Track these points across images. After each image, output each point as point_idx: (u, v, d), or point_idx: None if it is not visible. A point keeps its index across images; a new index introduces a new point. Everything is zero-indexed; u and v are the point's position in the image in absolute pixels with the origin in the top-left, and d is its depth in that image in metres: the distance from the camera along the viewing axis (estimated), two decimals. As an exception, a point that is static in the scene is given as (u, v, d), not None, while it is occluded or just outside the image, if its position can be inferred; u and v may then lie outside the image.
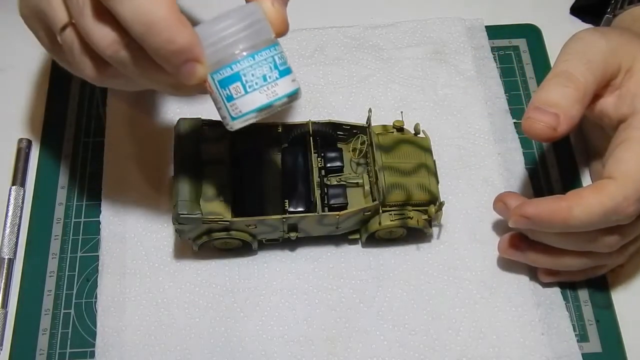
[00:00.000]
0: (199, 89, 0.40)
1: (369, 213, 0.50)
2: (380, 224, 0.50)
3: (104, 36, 0.38)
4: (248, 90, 0.39)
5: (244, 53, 0.39)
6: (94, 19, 0.38)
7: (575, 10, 0.64)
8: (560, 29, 0.63)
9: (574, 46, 0.48)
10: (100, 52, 0.39)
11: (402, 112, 0.57)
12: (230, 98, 0.40)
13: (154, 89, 0.42)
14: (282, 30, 0.41)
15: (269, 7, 0.40)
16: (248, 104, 0.39)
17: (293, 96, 0.40)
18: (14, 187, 0.56)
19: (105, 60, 0.40)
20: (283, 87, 0.40)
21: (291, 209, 0.50)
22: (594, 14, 0.62)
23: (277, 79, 0.40)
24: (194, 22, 0.38)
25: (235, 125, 0.40)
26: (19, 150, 0.57)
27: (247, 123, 0.40)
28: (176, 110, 0.58)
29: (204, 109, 0.58)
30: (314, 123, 0.52)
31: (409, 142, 0.53)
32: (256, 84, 0.39)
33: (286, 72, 0.40)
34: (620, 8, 0.57)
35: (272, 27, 0.40)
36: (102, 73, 0.41)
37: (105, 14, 0.38)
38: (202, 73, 0.38)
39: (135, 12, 0.36)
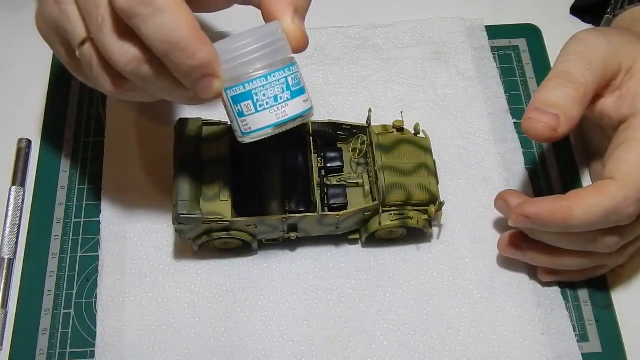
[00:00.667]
0: (214, 98, 0.41)
1: (369, 213, 0.50)
2: (380, 224, 0.50)
3: (123, 53, 0.38)
4: (258, 109, 0.40)
5: (258, 73, 0.40)
6: (113, 36, 0.38)
7: (575, 10, 0.64)
8: (560, 29, 0.63)
9: (574, 47, 0.48)
10: (119, 69, 0.39)
11: (402, 112, 0.57)
12: (241, 114, 0.41)
13: (170, 100, 0.43)
14: (302, 46, 0.42)
15: (289, 24, 0.41)
16: (257, 122, 0.41)
17: (304, 116, 0.42)
18: (14, 187, 0.56)
19: (123, 75, 0.40)
20: (293, 108, 0.41)
21: (291, 209, 0.50)
22: (594, 14, 0.62)
23: (288, 99, 0.41)
24: (211, 35, 0.39)
25: (245, 140, 0.42)
26: (19, 150, 0.57)
27: (256, 139, 0.41)
28: (176, 111, 0.58)
29: (204, 109, 0.58)
30: (314, 123, 0.52)
31: (409, 142, 0.53)
32: (267, 103, 0.40)
33: (299, 93, 0.41)
34: (621, 8, 0.57)
35: (291, 43, 0.41)
36: (120, 87, 0.41)
37: (125, 31, 0.38)
38: (219, 88, 0.39)
39: (159, 30, 0.37)
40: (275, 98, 0.40)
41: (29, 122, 0.59)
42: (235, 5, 0.47)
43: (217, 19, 0.60)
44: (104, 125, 0.58)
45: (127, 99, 0.44)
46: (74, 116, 0.59)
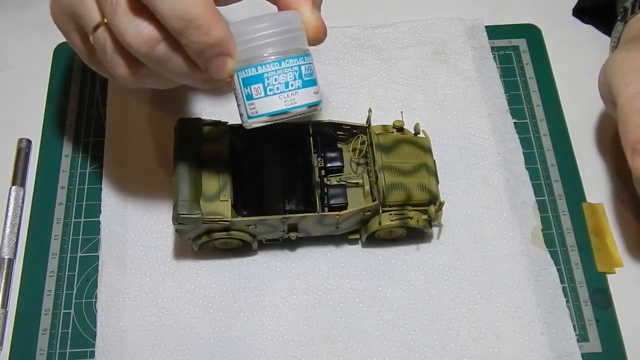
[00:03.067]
0: (229, 85, 0.41)
1: (369, 213, 0.50)
2: (380, 224, 0.50)
3: (138, 33, 0.38)
4: (268, 93, 0.40)
5: (272, 57, 0.40)
6: (127, 17, 0.38)
7: (578, 12, 0.64)
8: (560, 29, 0.63)
9: (621, 68, 0.48)
10: (133, 51, 0.39)
11: (402, 112, 0.57)
12: (250, 97, 0.41)
13: (186, 83, 0.43)
14: (321, 37, 0.42)
15: (308, 15, 0.41)
16: (265, 107, 0.40)
17: (312, 107, 0.41)
18: (14, 187, 0.56)
19: (138, 60, 0.40)
20: (303, 97, 0.41)
21: (291, 209, 0.50)
22: (597, 16, 0.62)
23: (299, 88, 0.41)
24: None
25: (251, 124, 0.41)
26: (19, 150, 0.57)
27: (262, 124, 0.41)
28: (176, 110, 0.58)
29: (204, 109, 0.58)
30: (313, 123, 0.52)
31: (409, 142, 0.53)
32: (277, 88, 0.40)
33: (310, 83, 0.41)
34: (632, 14, 0.56)
35: (310, 34, 0.41)
36: (135, 73, 0.41)
37: (139, 12, 0.38)
38: (232, 68, 0.39)
39: (175, 7, 0.37)
40: (287, 84, 0.40)
41: (29, 122, 0.59)
42: (245, 0, 0.47)
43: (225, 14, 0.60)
44: (104, 125, 0.58)
45: (141, 86, 0.43)
46: (74, 116, 0.59)
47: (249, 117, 0.41)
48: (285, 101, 0.40)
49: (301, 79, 0.41)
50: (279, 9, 0.42)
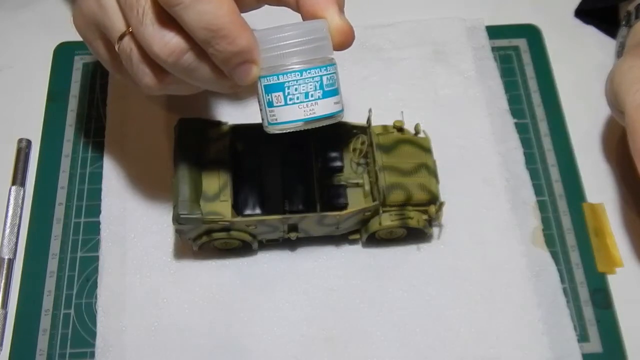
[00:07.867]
0: (253, 90, 0.41)
1: (369, 213, 0.50)
2: (380, 224, 0.50)
3: (165, 44, 0.39)
4: (288, 102, 0.40)
5: (294, 67, 0.40)
6: (154, 28, 0.39)
7: (579, 14, 0.64)
8: (560, 29, 0.63)
9: (628, 77, 0.48)
10: (161, 61, 0.39)
11: (402, 112, 0.57)
12: (270, 104, 0.41)
13: (210, 89, 0.43)
14: (349, 40, 0.41)
15: (336, 20, 0.41)
16: (284, 115, 0.41)
17: (331, 117, 0.42)
18: (14, 187, 0.56)
19: (163, 68, 0.40)
20: (322, 108, 0.41)
21: (291, 209, 0.50)
22: (598, 18, 0.62)
23: (319, 98, 0.41)
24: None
25: (270, 130, 0.42)
26: (19, 150, 0.57)
27: (281, 131, 0.42)
28: (176, 110, 0.58)
29: (204, 109, 0.58)
30: (314, 123, 0.52)
31: (409, 142, 0.53)
32: (297, 98, 0.40)
33: (331, 93, 0.41)
34: (636, 18, 0.55)
35: (338, 39, 0.41)
36: (161, 81, 0.42)
37: (166, 22, 0.39)
38: (256, 75, 0.40)
39: (201, 17, 0.37)
40: (307, 95, 0.40)
41: (29, 122, 0.59)
42: (265, 7, 0.47)
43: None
44: (104, 125, 0.58)
45: (166, 93, 0.44)
46: (74, 116, 0.59)
47: (269, 124, 0.42)
48: (304, 111, 0.41)
49: (322, 90, 0.41)
50: (303, 18, 0.42)
